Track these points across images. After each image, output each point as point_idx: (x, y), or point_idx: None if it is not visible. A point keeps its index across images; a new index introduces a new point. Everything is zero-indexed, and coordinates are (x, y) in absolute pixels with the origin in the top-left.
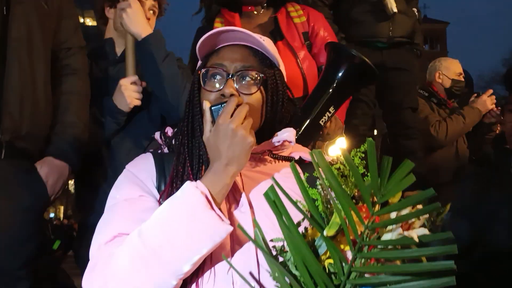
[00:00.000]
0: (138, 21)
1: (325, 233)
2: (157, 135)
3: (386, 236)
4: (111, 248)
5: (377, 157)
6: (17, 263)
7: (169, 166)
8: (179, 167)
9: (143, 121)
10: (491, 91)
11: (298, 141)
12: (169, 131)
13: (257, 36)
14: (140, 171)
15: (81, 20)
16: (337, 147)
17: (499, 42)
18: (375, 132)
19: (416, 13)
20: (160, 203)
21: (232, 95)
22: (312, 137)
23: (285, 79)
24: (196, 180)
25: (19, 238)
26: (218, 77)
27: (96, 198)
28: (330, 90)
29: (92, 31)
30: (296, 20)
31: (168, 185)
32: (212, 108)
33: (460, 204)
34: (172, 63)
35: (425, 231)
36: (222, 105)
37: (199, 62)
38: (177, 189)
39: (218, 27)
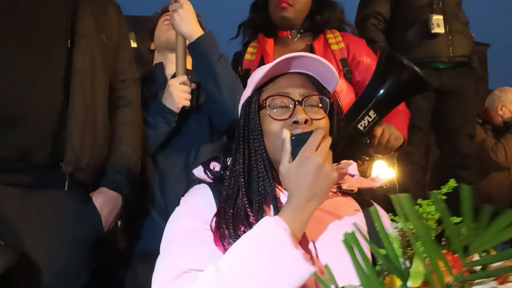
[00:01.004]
0: (190, 22)
1: (410, 284)
2: (199, 172)
3: None
4: (181, 284)
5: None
6: None
7: None
8: (233, 198)
9: (192, 132)
10: None
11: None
12: (216, 167)
13: (320, 59)
14: (200, 203)
15: None
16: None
17: None
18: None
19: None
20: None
21: (305, 121)
22: (353, 143)
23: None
24: (258, 215)
25: (74, 268)
26: (282, 105)
27: (143, 224)
28: (372, 95)
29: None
30: (334, 46)
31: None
32: (293, 138)
33: None
34: (227, 63)
35: None
36: (305, 135)
37: (249, 92)
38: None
39: (249, 51)
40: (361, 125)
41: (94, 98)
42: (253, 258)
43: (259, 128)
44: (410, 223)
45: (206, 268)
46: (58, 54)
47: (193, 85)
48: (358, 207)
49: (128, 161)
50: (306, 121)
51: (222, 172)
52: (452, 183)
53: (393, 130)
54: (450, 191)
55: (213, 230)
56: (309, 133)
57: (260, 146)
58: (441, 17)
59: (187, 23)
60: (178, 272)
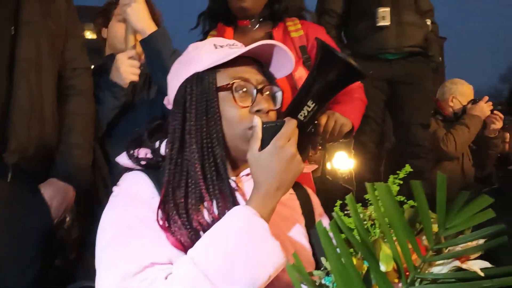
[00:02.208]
0: (143, 17)
1: (383, 268)
2: (124, 159)
3: (437, 268)
4: (144, 280)
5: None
6: (23, 284)
7: None
8: (182, 189)
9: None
10: (487, 97)
11: None
12: (141, 153)
13: (282, 46)
14: (143, 190)
15: None
16: (342, 160)
17: (496, 58)
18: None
19: (430, 24)
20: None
21: (267, 111)
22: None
23: None
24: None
25: (24, 259)
26: (244, 90)
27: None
28: (309, 85)
29: (92, 45)
30: (293, 34)
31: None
32: (265, 126)
33: None
34: None
35: (486, 263)
36: (278, 124)
37: (197, 69)
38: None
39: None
40: (301, 115)
41: (41, 87)
42: (234, 249)
43: (218, 111)
44: (380, 210)
45: (167, 260)
46: (1, 41)
47: (142, 60)
48: (292, 190)
49: (79, 151)
50: (267, 112)
51: (158, 159)
52: (407, 168)
53: (338, 117)
54: (405, 175)
55: (161, 219)
56: (282, 122)
57: (220, 131)
58: (388, 9)
59: (140, 18)
60: (140, 267)
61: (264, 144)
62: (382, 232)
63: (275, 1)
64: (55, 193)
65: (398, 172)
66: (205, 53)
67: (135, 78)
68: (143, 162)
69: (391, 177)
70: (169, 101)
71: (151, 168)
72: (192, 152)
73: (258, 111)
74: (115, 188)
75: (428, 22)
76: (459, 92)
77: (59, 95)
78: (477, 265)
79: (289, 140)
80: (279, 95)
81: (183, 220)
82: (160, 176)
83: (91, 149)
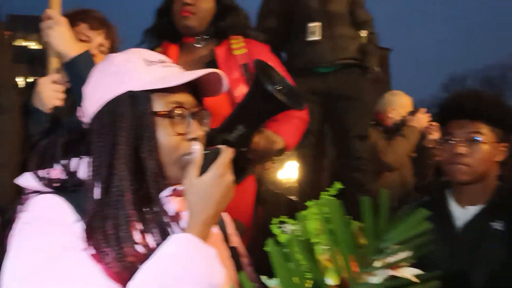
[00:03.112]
0: (66, 40)
1: (331, 282)
2: (27, 181)
3: (372, 279)
4: None
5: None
6: None
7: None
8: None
9: None
10: (425, 109)
11: None
12: (51, 172)
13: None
14: (63, 215)
15: (25, 43)
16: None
17: (439, 69)
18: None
19: (365, 35)
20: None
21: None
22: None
23: None
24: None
25: None
26: (179, 116)
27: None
28: (240, 109)
29: (37, 54)
30: (236, 52)
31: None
32: (206, 153)
33: None
34: None
35: (415, 270)
36: (217, 152)
37: (128, 88)
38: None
39: None
40: (230, 137)
41: None
42: (186, 279)
43: (155, 137)
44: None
45: None
46: None
47: (67, 84)
48: None
49: (3, 172)
50: (224, 146)
51: (74, 181)
52: (337, 185)
53: (269, 135)
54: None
55: (90, 249)
56: (218, 150)
57: (155, 157)
58: (318, 24)
59: (62, 41)
60: None
61: (202, 171)
62: (327, 246)
63: (220, 18)
64: None
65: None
66: (139, 70)
67: (59, 102)
68: (55, 185)
69: (322, 194)
70: (85, 115)
71: (64, 191)
72: (122, 180)
73: (193, 139)
74: (24, 214)
75: (364, 33)
76: (398, 104)
77: None
78: (408, 272)
79: (227, 168)
80: (208, 119)
81: (116, 253)
82: (80, 200)
83: (16, 169)
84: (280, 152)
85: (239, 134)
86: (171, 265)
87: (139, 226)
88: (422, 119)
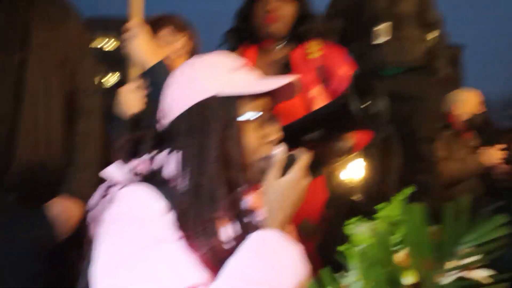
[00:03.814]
0: (143, 51)
1: (407, 281)
2: (116, 172)
3: (444, 280)
4: None
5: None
6: None
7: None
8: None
9: None
10: (500, 145)
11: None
12: (139, 165)
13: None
14: (153, 206)
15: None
16: (352, 171)
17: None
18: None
19: (431, 37)
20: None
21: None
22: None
23: None
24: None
25: (25, 277)
26: (260, 122)
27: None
28: (325, 116)
29: (113, 55)
30: (313, 55)
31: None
32: (287, 156)
33: None
34: None
35: (487, 271)
36: (295, 157)
37: (220, 92)
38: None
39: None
40: (308, 137)
41: (49, 109)
42: (275, 273)
43: (242, 140)
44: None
45: (203, 282)
46: (10, 65)
47: (146, 91)
48: None
49: (86, 171)
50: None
51: (160, 173)
52: (407, 191)
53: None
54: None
55: (181, 238)
56: (296, 155)
57: (240, 158)
58: (385, 25)
59: (140, 52)
60: None
61: (283, 173)
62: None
63: (300, 23)
64: (61, 210)
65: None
66: (225, 75)
67: (139, 110)
68: (143, 176)
69: (394, 197)
70: (167, 115)
71: (152, 183)
72: (213, 177)
73: (272, 141)
74: (114, 205)
75: (433, 35)
76: (461, 99)
77: (70, 117)
78: (480, 274)
79: (304, 172)
80: (278, 123)
81: (209, 245)
82: (167, 193)
83: (99, 169)
84: (349, 150)
85: (316, 136)
86: (259, 259)
87: (227, 221)
88: (493, 155)
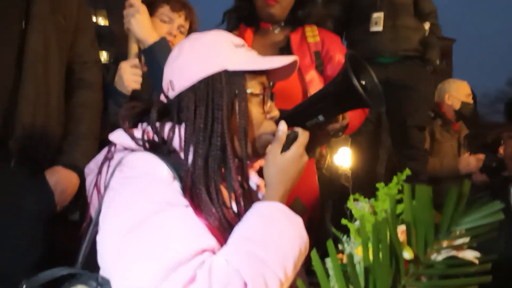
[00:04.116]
0: (145, 27)
1: (407, 256)
2: (124, 138)
3: (438, 257)
4: (201, 267)
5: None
6: (21, 270)
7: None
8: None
9: None
10: (481, 156)
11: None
12: (146, 133)
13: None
14: (165, 172)
15: (94, 19)
16: (343, 157)
17: (504, 61)
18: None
19: (427, 28)
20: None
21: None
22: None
23: None
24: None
25: (23, 244)
26: (263, 97)
27: None
28: (323, 100)
29: (105, 31)
30: (310, 39)
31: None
32: (288, 133)
33: None
34: None
35: (476, 253)
36: (297, 134)
37: (227, 68)
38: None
39: None
40: (308, 123)
41: (48, 79)
42: (280, 242)
43: (248, 114)
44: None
45: (214, 246)
46: (11, 35)
47: (145, 68)
48: None
49: (85, 141)
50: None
51: (166, 143)
52: (403, 175)
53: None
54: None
55: (192, 204)
56: (297, 132)
57: (247, 133)
58: (381, 14)
59: (142, 28)
60: (191, 254)
61: (283, 149)
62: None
63: (299, 7)
64: (59, 179)
65: (397, 174)
66: (230, 51)
67: (137, 86)
68: (147, 145)
69: (395, 179)
70: (172, 87)
71: (158, 153)
72: (222, 148)
73: (272, 118)
74: (125, 169)
75: (427, 25)
76: (454, 89)
77: (69, 88)
78: (470, 254)
79: (304, 149)
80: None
81: (218, 213)
82: (173, 163)
83: (96, 139)
84: (343, 130)
85: (317, 122)
86: (266, 228)
87: (236, 187)
88: (472, 163)
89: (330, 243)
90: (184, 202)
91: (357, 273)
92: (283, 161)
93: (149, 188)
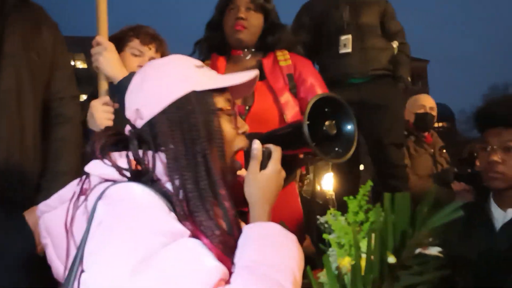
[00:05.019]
0: (114, 64)
1: (392, 260)
2: (103, 168)
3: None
4: None
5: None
6: None
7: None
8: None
9: None
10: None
11: None
12: (124, 164)
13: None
14: (158, 201)
15: (71, 63)
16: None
17: (479, 79)
18: (361, 167)
19: (395, 46)
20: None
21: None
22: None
23: None
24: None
25: (4, 285)
26: (232, 114)
27: None
28: (284, 139)
29: (83, 74)
30: (282, 63)
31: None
32: (263, 149)
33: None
34: None
35: (438, 248)
36: (270, 149)
37: (195, 88)
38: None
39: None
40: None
41: (22, 116)
42: (281, 262)
43: (222, 131)
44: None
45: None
46: None
47: (116, 105)
48: None
49: (64, 177)
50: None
51: (147, 170)
52: (370, 183)
53: None
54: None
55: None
56: (270, 148)
57: (223, 149)
58: (349, 36)
59: (110, 65)
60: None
61: (261, 167)
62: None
63: (269, 33)
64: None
65: (363, 186)
66: (194, 72)
67: (109, 123)
68: (126, 174)
69: (361, 191)
70: (141, 116)
71: (141, 182)
72: (208, 170)
73: (243, 132)
74: (114, 202)
75: (395, 44)
76: (409, 104)
77: (47, 124)
78: (434, 250)
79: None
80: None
81: (217, 236)
82: (157, 191)
83: (77, 175)
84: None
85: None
86: (270, 249)
87: (221, 208)
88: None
89: (326, 258)
90: (186, 230)
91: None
92: (263, 179)
93: (150, 221)
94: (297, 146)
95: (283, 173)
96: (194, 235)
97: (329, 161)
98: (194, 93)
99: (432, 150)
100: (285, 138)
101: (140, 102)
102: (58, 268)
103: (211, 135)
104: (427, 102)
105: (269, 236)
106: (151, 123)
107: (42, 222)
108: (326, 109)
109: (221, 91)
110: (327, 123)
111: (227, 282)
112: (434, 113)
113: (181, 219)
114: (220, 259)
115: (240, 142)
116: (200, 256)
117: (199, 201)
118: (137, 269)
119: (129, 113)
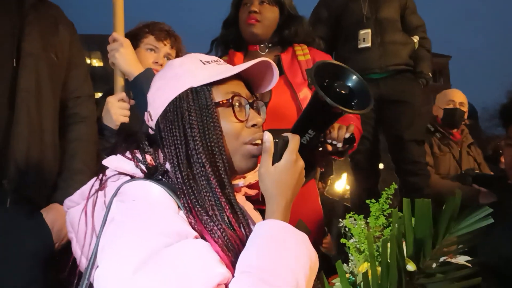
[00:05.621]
0: (130, 60)
1: (411, 268)
2: (120, 163)
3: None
4: None
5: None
6: None
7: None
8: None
9: None
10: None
11: None
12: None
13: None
14: (168, 200)
15: (88, 61)
16: (343, 182)
17: (502, 74)
18: (381, 165)
19: (416, 41)
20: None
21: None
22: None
23: None
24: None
25: (22, 283)
26: (237, 107)
27: None
28: (307, 116)
29: (99, 72)
30: (301, 58)
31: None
32: (276, 141)
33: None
34: None
35: (466, 257)
36: (286, 139)
37: (192, 85)
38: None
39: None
40: (303, 140)
41: (41, 116)
42: (284, 257)
43: (220, 126)
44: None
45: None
46: (3, 72)
47: (132, 102)
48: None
49: (81, 176)
50: (292, 134)
51: (160, 168)
52: (391, 190)
53: (339, 125)
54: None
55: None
56: (287, 138)
57: (222, 146)
58: (368, 31)
59: (127, 62)
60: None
61: (274, 159)
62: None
63: (285, 27)
64: (56, 217)
65: (386, 189)
66: (196, 69)
67: (125, 119)
68: (143, 168)
69: (384, 193)
70: (151, 117)
71: (153, 179)
72: (203, 166)
73: (253, 125)
74: (127, 199)
75: (416, 39)
76: (437, 99)
77: (63, 123)
78: (461, 259)
79: (297, 154)
80: (264, 108)
81: (221, 234)
82: (166, 185)
83: (93, 175)
84: (350, 142)
85: (309, 137)
86: (274, 253)
87: (227, 207)
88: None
89: (339, 264)
90: (192, 232)
91: None
92: (276, 172)
93: (159, 220)
94: (321, 118)
95: (301, 163)
96: (199, 232)
97: (355, 113)
98: (191, 90)
99: (459, 149)
100: (307, 115)
101: (149, 105)
102: (82, 261)
103: (206, 131)
104: (456, 97)
105: (276, 237)
106: (157, 123)
107: (67, 217)
108: (327, 80)
109: (221, 83)
110: (336, 84)
111: (227, 286)
112: (465, 109)
113: (187, 212)
114: (220, 255)
115: (250, 134)
116: (201, 258)
117: (198, 197)
118: (140, 267)
119: (145, 117)
